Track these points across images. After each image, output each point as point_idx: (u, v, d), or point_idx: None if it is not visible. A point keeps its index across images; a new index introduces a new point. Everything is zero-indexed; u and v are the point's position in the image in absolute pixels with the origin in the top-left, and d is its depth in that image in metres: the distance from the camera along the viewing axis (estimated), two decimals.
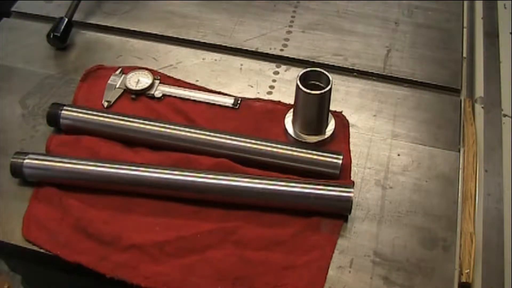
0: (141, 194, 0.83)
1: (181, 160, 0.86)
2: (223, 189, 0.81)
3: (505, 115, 0.94)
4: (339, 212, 0.81)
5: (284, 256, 0.77)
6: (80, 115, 0.90)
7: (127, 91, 0.97)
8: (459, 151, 0.90)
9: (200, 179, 0.81)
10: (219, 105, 0.96)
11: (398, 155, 0.89)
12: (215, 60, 1.05)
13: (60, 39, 1.04)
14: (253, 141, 0.86)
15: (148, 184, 0.82)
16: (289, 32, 1.10)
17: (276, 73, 1.02)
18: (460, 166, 0.87)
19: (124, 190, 0.83)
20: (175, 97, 0.97)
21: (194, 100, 0.96)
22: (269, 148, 0.86)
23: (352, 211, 0.81)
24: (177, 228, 0.79)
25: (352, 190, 0.80)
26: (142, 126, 0.89)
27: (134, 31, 1.10)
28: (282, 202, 0.81)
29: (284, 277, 0.75)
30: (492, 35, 1.09)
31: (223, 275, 0.75)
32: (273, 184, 0.81)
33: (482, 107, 0.96)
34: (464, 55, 1.06)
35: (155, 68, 1.02)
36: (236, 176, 0.82)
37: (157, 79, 0.99)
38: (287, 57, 1.05)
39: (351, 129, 0.93)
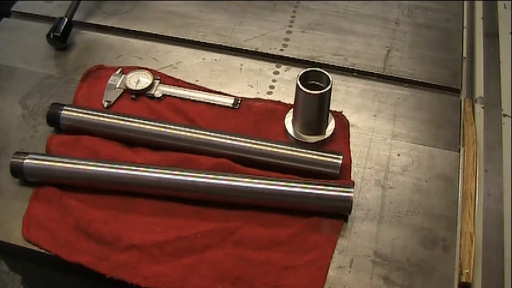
0: (141, 194, 0.83)
1: (181, 160, 0.86)
2: (223, 189, 0.81)
3: (505, 115, 0.94)
4: (339, 212, 0.81)
5: (284, 256, 0.77)
6: (80, 115, 0.90)
7: (127, 91, 0.97)
8: (459, 151, 0.90)
9: (200, 179, 0.81)
10: (219, 105, 0.96)
11: (398, 155, 0.89)
12: (215, 60, 1.05)
13: (60, 39, 1.04)
14: (253, 141, 0.86)
15: (148, 184, 0.82)
16: (289, 32, 1.10)
17: (276, 73, 1.02)
18: (460, 166, 0.87)
19: (124, 190, 0.83)
20: (175, 97, 0.97)
21: (194, 100, 0.96)
22: (269, 148, 0.86)
23: (352, 211, 0.81)
24: (177, 228, 0.79)
25: (352, 190, 0.80)
26: (142, 126, 0.89)
27: (134, 31, 1.10)
28: (282, 202, 0.81)
29: (284, 277, 0.75)
30: (492, 35, 1.09)
31: (223, 275, 0.75)
32: (273, 184, 0.81)
33: (482, 107, 0.96)
34: (464, 55, 1.06)
35: (155, 68, 1.02)
36: (236, 176, 0.82)
37: (157, 79, 0.99)
38: (287, 57, 1.05)
39: (351, 129, 0.93)
